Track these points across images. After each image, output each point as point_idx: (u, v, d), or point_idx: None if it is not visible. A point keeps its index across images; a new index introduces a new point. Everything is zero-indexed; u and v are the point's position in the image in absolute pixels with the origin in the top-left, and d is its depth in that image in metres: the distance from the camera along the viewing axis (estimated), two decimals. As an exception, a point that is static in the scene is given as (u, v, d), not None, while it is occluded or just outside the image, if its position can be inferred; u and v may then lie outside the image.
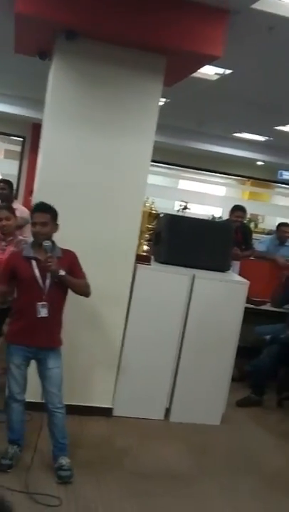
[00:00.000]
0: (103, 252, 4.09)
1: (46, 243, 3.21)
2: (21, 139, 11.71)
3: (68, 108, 3.97)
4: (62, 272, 3.21)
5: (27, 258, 3.28)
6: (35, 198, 4.15)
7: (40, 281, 3.23)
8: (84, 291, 3.40)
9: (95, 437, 3.99)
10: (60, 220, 3.98)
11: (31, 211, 3.36)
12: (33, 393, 3.58)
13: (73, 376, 3.94)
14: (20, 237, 4.29)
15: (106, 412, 4.30)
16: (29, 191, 5.75)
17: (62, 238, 4.00)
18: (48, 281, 3.24)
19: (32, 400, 3.62)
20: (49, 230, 3.28)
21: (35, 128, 10.13)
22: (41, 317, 3.22)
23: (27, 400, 3.51)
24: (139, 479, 3.51)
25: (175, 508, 3.26)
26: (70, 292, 3.39)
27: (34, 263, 3.25)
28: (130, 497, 3.28)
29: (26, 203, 6.22)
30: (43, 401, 3.42)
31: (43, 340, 3.28)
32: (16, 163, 11.79)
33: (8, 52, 5.01)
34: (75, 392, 4.01)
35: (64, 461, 3.35)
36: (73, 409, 3.81)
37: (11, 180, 6.28)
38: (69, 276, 3.27)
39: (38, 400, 3.58)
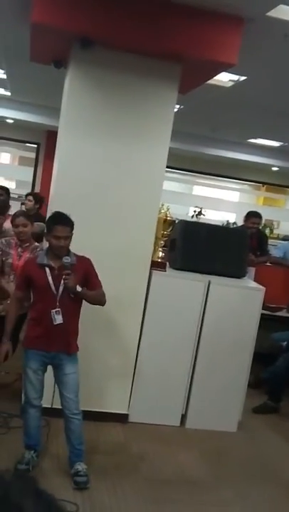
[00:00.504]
0: (118, 259, 4.11)
1: (66, 260, 3.21)
2: (36, 146, 11.80)
3: (84, 116, 4.00)
4: (78, 288, 3.22)
5: (41, 265, 3.30)
6: (51, 205, 4.18)
7: (53, 288, 3.25)
8: (100, 301, 3.42)
9: (111, 443, 4.00)
10: (75, 227, 4.03)
11: (52, 223, 3.32)
12: (46, 399, 3.59)
13: (89, 382, 3.95)
14: (36, 244, 4.33)
15: (122, 418, 4.31)
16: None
17: (78, 245, 4.03)
18: (61, 289, 3.25)
19: (46, 406, 3.64)
20: (69, 243, 3.30)
21: (50, 135, 10.22)
22: (57, 324, 3.24)
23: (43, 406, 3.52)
24: (156, 485, 3.51)
25: (191, 515, 3.25)
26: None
27: (48, 270, 3.27)
28: (147, 503, 3.28)
29: (41, 211, 6.26)
30: (55, 406, 3.44)
31: (60, 346, 3.29)
32: (30, 170, 11.86)
33: (24, 60, 5.06)
34: (91, 398, 4.02)
35: (80, 467, 3.36)
36: (89, 415, 3.82)
37: (7, 187, 6.47)
38: (85, 290, 3.28)
39: (49, 406, 3.62)
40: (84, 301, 3.41)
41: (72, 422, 3.35)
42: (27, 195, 6.32)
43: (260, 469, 3.97)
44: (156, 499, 3.35)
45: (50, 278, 3.26)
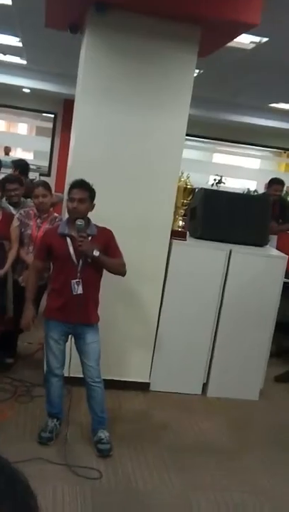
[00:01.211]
0: (138, 228, 4.07)
1: (79, 222, 3.19)
2: (53, 116, 11.68)
3: (101, 82, 3.91)
4: (96, 253, 3.19)
5: (62, 235, 3.28)
6: (69, 175, 4.14)
7: (74, 258, 3.23)
8: (119, 270, 3.39)
9: (133, 412, 4.03)
10: (96, 196, 3.99)
11: (69, 187, 3.32)
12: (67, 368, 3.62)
13: (110, 351, 3.97)
14: (56, 214, 4.30)
15: (143, 387, 4.34)
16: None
17: (98, 215, 4.00)
18: (82, 259, 3.23)
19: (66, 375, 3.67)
20: (85, 208, 3.26)
21: (67, 104, 10.10)
22: (77, 294, 3.23)
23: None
24: (179, 453, 3.54)
25: (216, 482, 3.27)
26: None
27: (69, 240, 3.25)
28: (170, 471, 3.31)
29: (59, 181, 6.22)
30: (72, 375, 3.45)
31: (80, 317, 3.27)
32: (48, 140, 11.79)
33: (39, 26, 4.95)
34: (112, 367, 4.04)
35: (103, 434, 3.39)
36: (111, 384, 3.85)
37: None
38: (103, 257, 3.24)
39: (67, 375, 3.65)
40: (105, 271, 3.38)
41: (94, 390, 3.37)
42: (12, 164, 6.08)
43: (283, 437, 3.97)
44: (179, 467, 3.38)
45: (70, 248, 3.24)
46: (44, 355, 3.57)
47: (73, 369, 3.45)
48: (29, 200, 4.60)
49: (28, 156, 11.84)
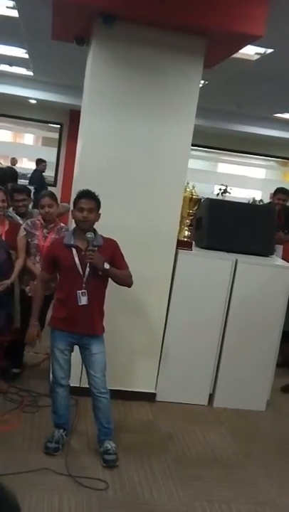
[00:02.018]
0: (144, 238, 4.08)
1: (89, 235, 3.19)
2: (59, 126, 11.76)
3: (107, 93, 3.94)
4: (106, 266, 3.20)
5: (68, 246, 3.28)
6: (76, 185, 4.16)
7: (80, 269, 3.23)
8: (127, 282, 3.39)
9: (139, 422, 4.02)
10: (101, 206, 4.00)
11: (76, 197, 3.32)
12: (74, 378, 3.62)
13: (117, 361, 3.96)
14: (62, 224, 4.32)
15: (149, 397, 4.32)
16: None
17: (103, 225, 4.01)
18: (87, 270, 3.23)
19: (75, 385, 3.67)
20: (94, 218, 3.27)
21: (73, 115, 10.18)
22: (82, 305, 3.23)
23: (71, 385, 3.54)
24: (185, 464, 3.52)
25: (222, 493, 3.25)
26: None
27: (74, 251, 3.25)
28: (176, 482, 3.30)
29: (65, 191, 6.25)
30: (84, 385, 3.46)
31: (85, 328, 3.26)
32: (54, 151, 11.86)
33: (46, 38, 5.00)
34: (118, 378, 4.04)
35: (109, 445, 3.37)
36: (117, 394, 3.84)
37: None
38: (113, 269, 3.26)
39: (77, 385, 3.66)
40: (110, 282, 3.38)
41: (100, 401, 3.36)
42: None
43: (290, 448, 3.95)
44: (185, 478, 3.36)
45: (76, 259, 3.24)
46: (50, 365, 3.57)
47: (84, 379, 3.47)
48: (36, 210, 4.62)
49: (34, 167, 11.90)
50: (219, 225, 4.40)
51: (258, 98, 8.26)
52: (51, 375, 3.52)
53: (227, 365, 4.36)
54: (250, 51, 5.44)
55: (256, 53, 5.57)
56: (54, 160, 11.81)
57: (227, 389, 4.40)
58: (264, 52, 5.49)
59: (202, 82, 6.12)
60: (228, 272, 4.26)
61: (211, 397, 4.43)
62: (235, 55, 4.72)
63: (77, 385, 3.87)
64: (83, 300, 3.23)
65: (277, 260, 4.62)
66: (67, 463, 3.27)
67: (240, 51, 4.59)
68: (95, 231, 3.30)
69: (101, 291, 3.36)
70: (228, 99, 8.69)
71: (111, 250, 3.32)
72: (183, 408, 4.30)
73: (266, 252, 4.54)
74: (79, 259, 3.23)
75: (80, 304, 3.23)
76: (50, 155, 11.83)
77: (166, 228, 4.14)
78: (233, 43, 4.05)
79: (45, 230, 4.26)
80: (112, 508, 2.96)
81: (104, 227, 3.93)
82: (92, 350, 3.33)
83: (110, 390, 3.44)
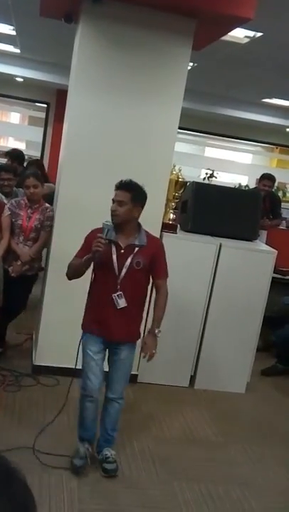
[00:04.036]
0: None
1: (107, 222, 2.91)
2: (45, 106, 11.61)
3: (94, 73, 3.90)
4: (158, 334, 3.00)
5: (108, 240, 2.92)
6: (61, 166, 4.13)
7: (116, 268, 2.94)
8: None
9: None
10: (87, 187, 3.98)
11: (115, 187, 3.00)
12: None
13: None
14: (47, 205, 4.30)
15: (131, 379, 4.30)
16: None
17: (89, 206, 4.01)
18: (124, 270, 2.94)
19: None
20: (125, 212, 2.92)
21: (60, 94, 10.04)
22: (120, 308, 2.95)
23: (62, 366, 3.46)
24: (165, 444, 3.57)
25: (200, 473, 3.31)
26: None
27: (114, 248, 2.95)
28: (155, 461, 3.35)
29: (51, 172, 6.18)
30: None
31: (118, 334, 3.01)
32: (40, 130, 11.72)
33: (34, 15, 4.91)
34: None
35: (109, 452, 3.17)
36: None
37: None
38: (159, 322, 3.02)
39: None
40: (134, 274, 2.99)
41: (113, 406, 3.15)
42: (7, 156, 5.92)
43: (269, 429, 4.03)
44: (165, 457, 3.41)
45: (114, 256, 2.94)
46: (32, 347, 3.55)
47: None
48: (21, 189, 4.59)
49: (20, 146, 11.76)
50: (204, 209, 4.41)
51: (247, 82, 8.22)
52: (81, 384, 3.14)
53: (208, 347, 4.41)
54: (239, 34, 5.39)
55: (246, 36, 5.52)
56: (40, 140, 11.67)
57: (208, 371, 4.45)
58: (253, 36, 5.45)
59: (191, 64, 6.07)
60: (211, 255, 4.28)
61: (192, 378, 4.48)
62: (224, 38, 4.69)
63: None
64: (121, 303, 2.94)
65: (260, 245, 4.66)
66: (49, 441, 3.30)
67: (229, 34, 4.56)
68: (140, 228, 3.02)
69: (139, 294, 3.07)
70: (216, 82, 8.64)
71: (153, 251, 3.02)
72: (164, 389, 4.35)
73: (250, 236, 4.57)
74: (116, 258, 2.95)
75: (118, 308, 2.94)
76: (36, 134, 11.69)
77: (152, 211, 4.09)
78: (222, 25, 4.02)
79: (29, 211, 4.24)
80: (91, 485, 3.00)
81: (90, 209, 3.93)
82: (121, 356, 3.08)
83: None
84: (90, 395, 3.07)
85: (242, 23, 3.93)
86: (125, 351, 3.09)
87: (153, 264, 3.01)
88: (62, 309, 4.14)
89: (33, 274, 4.38)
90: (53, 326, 4.18)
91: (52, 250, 4.15)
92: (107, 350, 3.11)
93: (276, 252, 4.43)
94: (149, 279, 3.10)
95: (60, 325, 4.14)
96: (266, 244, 4.94)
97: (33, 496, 0.76)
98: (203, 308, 4.36)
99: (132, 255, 2.95)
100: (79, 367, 3.12)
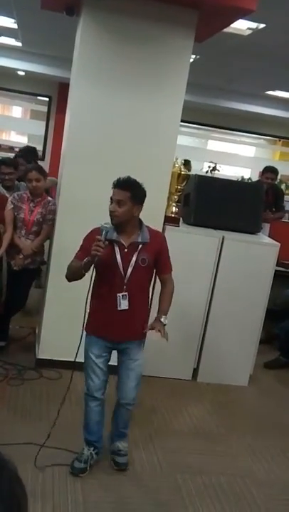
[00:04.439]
0: (132, 214, 4.06)
1: (106, 224, 2.81)
2: (47, 99, 11.59)
3: (96, 66, 3.89)
4: (165, 321, 2.95)
5: (109, 241, 2.84)
6: (64, 159, 4.13)
7: (121, 268, 2.87)
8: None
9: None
10: (90, 181, 3.96)
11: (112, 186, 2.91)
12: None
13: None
14: (49, 198, 4.29)
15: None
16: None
17: (91, 200, 4.00)
18: (130, 270, 2.87)
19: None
20: (124, 211, 2.81)
21: (62, 87, 9.99)
22: (122, 310, 2.89)
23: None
24: (167, 437, 3.58)
25: (203, 465, 3.32)
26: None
27: (116, 248, 2.88)
28: (158, 453, 3.36)
29: (54, 165, 6.18)
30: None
31: (125, 333, 2.96)
32: (42, 124, 11.69)
33: (35, 8, 4.89)
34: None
35: (121, 445, 3.16)
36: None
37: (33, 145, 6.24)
38: (166, 310, 2.99)
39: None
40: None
41: (122, 410, 3.11)
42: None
43: (271, 422, 4.03)
44: (168, 450, 3.42)
45: (118, 256, 2.87)
46: (36, 341, 3.55)
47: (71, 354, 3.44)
48: (23, 183, 4.59)
49: (22, 140, 11.75)
50: (207, 202, 4.40)
51: (250, 75, 8.18)
52: (84, 386, 3.09)
53: (211, 340, 4.41)
54: (242, 26, 5.36)
55: (248, 28, 5.48)
56: (42, 133, 11.65)
57: (211, 364, 4.46)
58: (256, 28, 5.42)
59: (193, 56, 6.05)
60: (214, 248, 4.27)
61: (195, 371, 4.49)
62: (227, 30, 4.66)
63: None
64: (123, 304, 2.88)
65: (263, 238, 4.65)
66: (52, 436, 3.30)
67: (232, 26, 4.53)
68: (141, 225, 2.94)
69: (145, 293, 3.02)
70: (219, 74, 8.60)
71: (157, 246, 2.95)
72: (167, 382, 4.35)
73: (253, 229, 4.56)
74: (121, 257, 2.88)
75: (119, 309, 2.88)
76: (38, 128, 11.67)
77: (154, 204, 4.09)
78: (224, 17, 3.99)
79: (31, 204, 4.24)
80: (95, 478, 3.01)
81: (92, 202, 3.92)
82: (132, 355, 3.01)
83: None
84: (92, 395, 3.03)
85: (244, 14, 3.90)
86: (134, 350, 3.02)
87: (158, 259, 2.96)
88: (64, 303, 4.14)
89: (35, 267, 4.39)
90: (56, 320, 4.18)
91: (54, 244, 4.15)
92: (116, 351, 3.06)
93: (279, 244, 4.42)
94: (153, 275, 3.05)
95: (62, 319, 4.15)
96: (269, 237, 4.92)
97: (23, 486, 0.77)
98: (205, 302, 4.35)
99: (136, 253, 2.89)
100: (79, 360, 3.08)
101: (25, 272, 4.25)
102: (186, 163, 6.25)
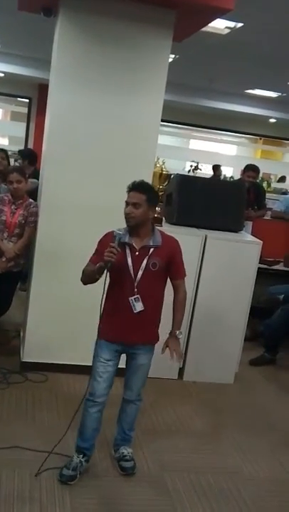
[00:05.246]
0: (113, 214, 4.01)
1: (119, 231, 2.83)
2: (27, 101, 11.54)
3: (75, 67, 3.87)
4: (179, 335, 2.97)
5: (121, 244, 2.85)
6: (44, 161, 4.11)
7: (132, 271, 2.87)
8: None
9: (109, 396, 4.04)
10: (70, 182, 3.95)
11: (127, 190, 2.89)
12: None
13: (89, 336, 3.96)
14: (31, 200, 4.27)
15: (120, 372, 4.34)
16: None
17: (73, 201, 3.99)
18: (140, 273, 2.88)
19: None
20: (141, 214, 2.82)
21: (42, 89, 9.97)
22: (136, 312, 2.89)
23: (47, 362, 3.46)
24: (154, 436, 3.58)
25: (191, 464, 3.33)
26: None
27: (128, 250, 2.89)
28: (145, 452, 3.35)
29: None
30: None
31: (136, 337, 2.96)
32: (23, 125, 11.64)
33: (12, 9, 4.86)
34: (89, 352, 4.04)
35: (126, 450, 3.18)
36: (87, 370, 3.85)
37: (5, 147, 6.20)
38: (180, 324, 2.98)
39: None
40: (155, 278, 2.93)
41: (131, 407, 3.16)
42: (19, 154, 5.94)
43: (258, 419, 4.05)
44: (155, 449, 3.42)
45: (129, 259, 2.87)
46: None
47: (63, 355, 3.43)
48: (3, 185, 4.56)
49: (2, 142, 11.69)
50: (189, 201, 4.41)
51: (229, 73, 8.24)
52: (88, 389, 3.04)
53: (196, 339, 4.42)
54: (220, 25, 5.41)
55: (226, 27, 5.53)
56: (23, 135, 11.60)
57: (196, 363, 4.47)
58: (234, 27, 5.46)
59: (172, 56, 6.06)
60: (197, 247, 4.28)
61: (181, 371, 4.49)
62: (205, 29, 4.68)
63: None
64: (138, 306, 2.88)
65: (246, 236, 4.67)
66: (39, 439, 3.29)
67: (210, 25, 4.56)
68: (154, 229, 2.95)
69: (156, 296, 3.00)
70: (198, 74, 8.64)
71: (170, 252, 2.96)
72: (153, 382, 4.32)
73: (235, 227, 4.58)
74: (132, 260, 2.88)
75: (135, 311, 2.88)
76: (19, 129, 11.62)
77: (136, 204, 4.12)
78: (202, 16, 4.01)
79: (13, 206, 4.21)
80: (83, 480, 3.00)
81: (73, 203, 3.91)
82: (140, 361, 3.04)
83: (80, 365, 3.43)
84: (94, 400, 2.99)
85: (222, 13, 3.92)
86: (143, 355, 3.04)
87: (170, 264, 2.96)
88: (47, 305, 4.13)
89: (18, 270, 4.36)
90: (40, 322, 4.16)
91: (37, 246, 4.13)
92: (125, 355, 3.06)
93: (261, 242, 4.44)
94: (165, 280, 3.02)
95: (46, 321, 4.13)
96: (251, 235, 4.95)
97: None
98: (190, 300, 4.36)
99: (147, 257, 2.88)
100: (68, 362, 3.08)
101: (8, 275, 4.22)
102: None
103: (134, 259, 2.88)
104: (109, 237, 2.88)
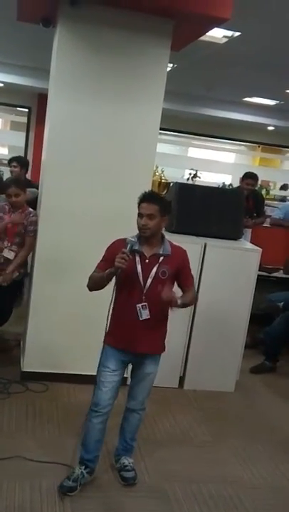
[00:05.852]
0: (112, 222, 4.05)
1: (132, 238, 2.86)
2: (27, 110, 11.58)
3: (73, 76, 3.89)
4: (179, 301, 2.83)
5: (131, 251, 2.86)
6: (43, 171, 4.12)
7: (141, 278, 2.88)
8: (192, 304, 3.07)
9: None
10: (70, 190, 3.96)
11: (139, 201, 2.90)
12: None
13: (90, 346, 3.96)
14: (30, 209, 4.28)
15: (123, 381, 4.34)
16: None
17: (73, 209, 4.00)
18: (149, 281, 2.88)
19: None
20: (155, 224, 2.84)
21: (41, 98, 10.02)
22: (143, 320, 2.88)
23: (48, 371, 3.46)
24: (155, 445, 3.57)
25: (192, 473, 3.31)
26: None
27: (138, 258, 2.89)
28: (146, 462, 3.34)
29: (34, 176, 6.16)
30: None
31: (142, 346, 2.94)
32: (22, 135, 11.67)
33: (11, 20, 4.89)
34: (92, 362, 4.03)
35: (127, 461, 3.17)
36: (88, 379, 3.84)
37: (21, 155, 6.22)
38: (184, 302, 2.90)
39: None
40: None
41: (134, 416, 3.16)
42: (10, 162, 5.91)
43: (258, 428, 4.03)
44: (155, 458, 3.40)
45: (138, 266, 2.87)
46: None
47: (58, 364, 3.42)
48: (3, 196, 4.56)
49: (2, 151, 11.72)
50: (188, 209, 4.42)
51: (227, 82, 8.27)
52: (91, 400, 3.03)
53: (197, 347, 4.41)
54: (217, 34, 5.44)
55: (224, 36, 5.56)
56: (23, 144, 11.63)
57: (197, 371, 4.46)
58: (232, 36, 5.50)
59: (170, 65, 6.10)
60: (197, 255, 4.28)
61: (182, 379, 4.48)
62: (203, 38, 4.71)
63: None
64: (144, 314, 2.88)
65: (245, 244, 4.68)
66: (40, 449, 3.27)
67: (208, 34, 4.59)
68: (163, 238, 2.97)
69: (163, 306, 2.95)
70: (196, 82, 8.68)
71: (179, 261, 2.97)
72: (154, 391, 4.26)
73: (235, 235, 4.58)
74: (141, 268, 2.88)
75: (141, 319, 2.88)
76: (18, 139, 11.65)
77: (135, 212, 4.12)
78: (200, 26, 4.04)
79: (13, 215, 4.22)
80: (83, 489, 2.98)
81: (73, 212, 3.92)
82: (146, 370, 3.03)
83: (81, 374, 3.43)
84: (98, 411, 2.95)
85: (219, 23, 3.95)
86: (149, 365, 3.03)
87: (179, 273, 2.97)
88: (48, 314, 4.12)
89: (18, 279, 4.36)
90: (40, 332, 4.15)
91: (36, 254, 4.13)
92: (131, 363, 3.05)
93: (261, 250, 4.45)
94: (172, 288, 2.98)
95: (47, 330, 4.13)
96: (251, 242, 4.96)
97: None
98: (190, 309, 4.35)
99: (157, 265, 2.89)
100: (68, 371, 3.07)
101: (9, 284, 4.22)
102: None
103: (143, 266, 2.88)
104: (117, 244, 2.90)
